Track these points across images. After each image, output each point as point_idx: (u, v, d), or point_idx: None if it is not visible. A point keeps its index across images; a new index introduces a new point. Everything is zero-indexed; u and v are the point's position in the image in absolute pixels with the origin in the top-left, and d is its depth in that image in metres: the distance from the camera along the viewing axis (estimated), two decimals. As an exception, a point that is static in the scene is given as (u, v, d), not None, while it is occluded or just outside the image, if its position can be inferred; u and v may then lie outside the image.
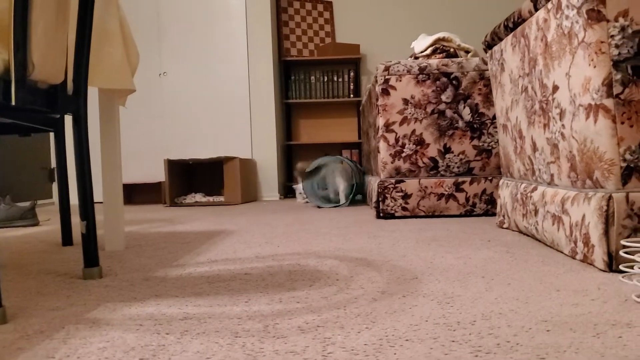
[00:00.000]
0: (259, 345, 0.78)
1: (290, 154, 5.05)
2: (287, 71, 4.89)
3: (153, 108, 4.53)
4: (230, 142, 4.49)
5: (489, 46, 1.96)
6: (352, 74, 4.84)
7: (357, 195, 3.85)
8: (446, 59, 2.53)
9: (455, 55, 2.69)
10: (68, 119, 3.63)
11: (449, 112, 2.51)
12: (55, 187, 4.77)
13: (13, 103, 0.95)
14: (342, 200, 3.45)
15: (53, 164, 4.77)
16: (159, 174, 4.51)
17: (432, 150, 2.52)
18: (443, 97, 2.51)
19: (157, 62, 4.50)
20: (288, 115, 5.01)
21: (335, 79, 4.86)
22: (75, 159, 1.26)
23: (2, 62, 0.96)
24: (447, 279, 1.17)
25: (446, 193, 2.49)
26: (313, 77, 4.86)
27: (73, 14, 1.33)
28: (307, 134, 5.03)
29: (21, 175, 4.34)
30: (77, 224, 2.53)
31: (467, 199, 2.48)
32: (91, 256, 1.30)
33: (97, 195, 4.23)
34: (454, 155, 2.51)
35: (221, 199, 4.17)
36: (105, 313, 0.98)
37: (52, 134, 4.54)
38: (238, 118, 4.48)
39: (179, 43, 4.48)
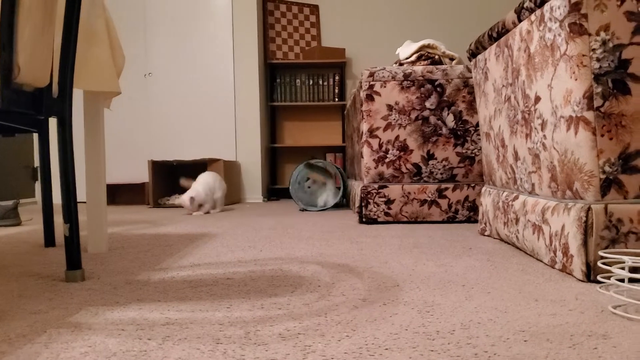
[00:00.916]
0: (240, 352, 0.78)
1: (275, 156, 5.05)
2: (273, 74, 4.90)
3: (138, 108, 4.51)
4: (214, 144, 4.48)
5: (473, 55, 1.99)
6: (337, 77, 4.86)
7: (343, 200, 3.88)
8: (431, 66, 2.56)
9: (440, 63, 2.71)
10: (52, 119, 3.60)
11: (432, 119, 2.53)
12: (38, 186, 4.72)
13: (-3, 106, 0.95)
14: (330, 204, 3.47)
15: (36, 162, 4.72)
16: (142, 175, 4.48)
17: (416, 157, 2.54)
18: (427, 104, 2.53)
19: (143, 62, 4.48)
20: (273, 117, 5.01)
21: (320, 82, 4.87)
22: (59, 162, 1.26)
23: (-13, 64, 0.96)
24: (427, 287, 1.19)
25: (429, 199, 2.51)
26: (298, 80, 4.86)
27: (59, 17, 1.32)
28: (292, 136, 5.03)
29: (3, 174, 4.28)
30: (59, 225, 2.51)
31: (449, 206, 2.50)
32: (74, 259, 1.29)
33: (80, 194, 4.20)
34: (437, 162, 2.54)
35: (205, 200, 4.15)
36: (88, 317, 0.97)
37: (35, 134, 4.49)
38: (223, 120, 4.48)
39: (165, 44, 4.47)
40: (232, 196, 4.24)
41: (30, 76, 1.07)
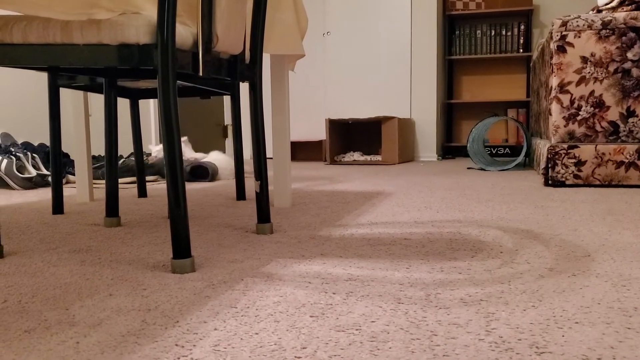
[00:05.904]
0: (422, 314, 0.79)
1: (451, 113, 4.92)
2: (452, 26, 4.72)
3: (316, 67, 4.66)
4: (388, 102, 4.49)
5: (690, -4, 1.72)
6: (522, 27, 4.53)
7: (525, 159, 3.68)
8: (636, 12, 2.26)
9: (646, 6, 2.39)
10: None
11: (635, 71, 2.26)
12: (228, 142, 5.16)
13: (200, 74, 1.04)
14: (510, 164, 3.31)
15: (226, 121, 5.15)
16: (320, 132, 4.66)
17: (613, 114, 2.30)
18: (629, 55, 2.26)
19: (321, 21, 4.59)
20: (450, 72, 4.86)
21: (503, 32, 4.59)
22: (251, 124, 1.36)
23: (192, 35, 1.05)
24: (624, 259, 1.09)
25: (627, 161, 2.27)
26: (479, 32, 4.63)
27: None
28: (470, 91, 4.85)
29: (199, 132, 4.75)
30: (247, 179, 2.73)
31: (651, 168, 2.24)
32: (264, 213, 1.40)
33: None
34: (639, 120, 2.27)
35: (378, 158, 4.21)
36: (278, 268, 1.05)
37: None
38: (398, 76, 4.45)
39: (343, 2, 4.52)
40: (406, 154, 4.24)
41: (227, 44, 1.15)
